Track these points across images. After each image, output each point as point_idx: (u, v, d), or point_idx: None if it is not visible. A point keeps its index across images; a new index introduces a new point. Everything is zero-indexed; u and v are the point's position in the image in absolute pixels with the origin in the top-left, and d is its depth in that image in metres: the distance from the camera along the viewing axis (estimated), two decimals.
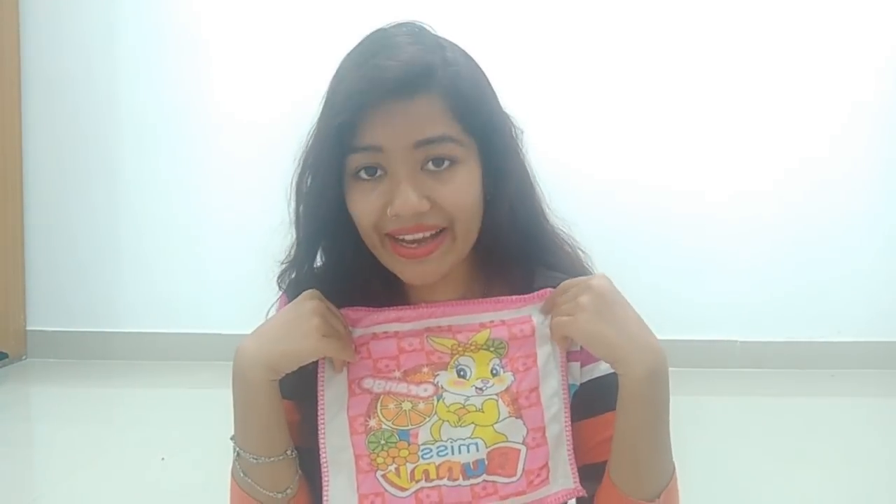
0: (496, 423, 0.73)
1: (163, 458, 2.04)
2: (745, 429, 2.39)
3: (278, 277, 0.81)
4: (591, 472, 0.75)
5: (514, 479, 0.73)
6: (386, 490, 0.73)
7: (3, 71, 2.96)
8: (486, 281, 0.79)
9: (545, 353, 0.75)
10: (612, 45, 2.96)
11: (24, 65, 3.02)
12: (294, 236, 0.77)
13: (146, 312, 3.08)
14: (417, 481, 0.73)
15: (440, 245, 0.71)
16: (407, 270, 0.73)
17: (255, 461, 0.73)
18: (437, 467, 0.72)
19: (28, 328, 3.10)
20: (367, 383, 0.74)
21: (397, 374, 0.74)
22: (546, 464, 0.74)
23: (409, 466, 0.73)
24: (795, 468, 2.06)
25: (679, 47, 2.97)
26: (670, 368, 0.71)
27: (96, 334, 3.07)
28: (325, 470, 0.73)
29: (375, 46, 0.70)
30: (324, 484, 0.73)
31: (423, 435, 0.72)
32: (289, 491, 0.75)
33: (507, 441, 0.73)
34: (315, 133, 0.73)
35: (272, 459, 0.74)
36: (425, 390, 0.73)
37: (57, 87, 3.04)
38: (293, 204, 0.76)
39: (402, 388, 0.73)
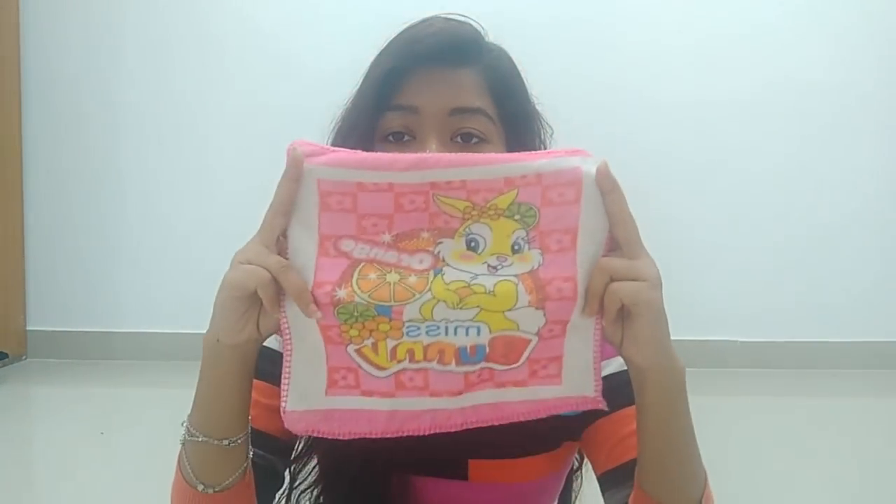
0: (509, 309, 0.57)
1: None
2: (744, 429, 2.39)
3: None
4: (618, 476, 0.71)
5: (514, 365, 0.60)
6: (360, 366, 0.60)
7: (3, 71, 2.96)
8: None
9: (591, 228, 0.57)
10: (613, 44, 2.96)
11: (24, 65, 3.02)
12: None
13: (146, 312, 3.08)
14: (399, 361, 0.59)
15: None
16: None
17: (215, 443, 0.64)
18: (426, 348, 0.59)
19: (28, 328, 3.10)
20: (346, 245, 0.58)
21: (387, 237, 0.58)
22: (559, 357, 0.60)
23: (391, 343, 0.59)
24: (795, 468, 2.06)
25: (679, 46, 2.97)
26: None
27: (96, 334, 3.07)
28: (287, 338, 0.59)
29: (422, 23, 0.72)
30: (285, 355, 0.60)
31: (410, 312, 0.57)
32: (232, 479, 0.65)
33: (518, 330, 0.58)
34: (353, 99, 0.73)
35: (227, 442, 0.64)
36: (420, 261, 0.58)
37: (57, 87, 3.04)
38: None
39: (390, 256, 0.58)
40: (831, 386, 2.85)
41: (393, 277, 0.57)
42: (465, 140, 0.69)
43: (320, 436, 0.61)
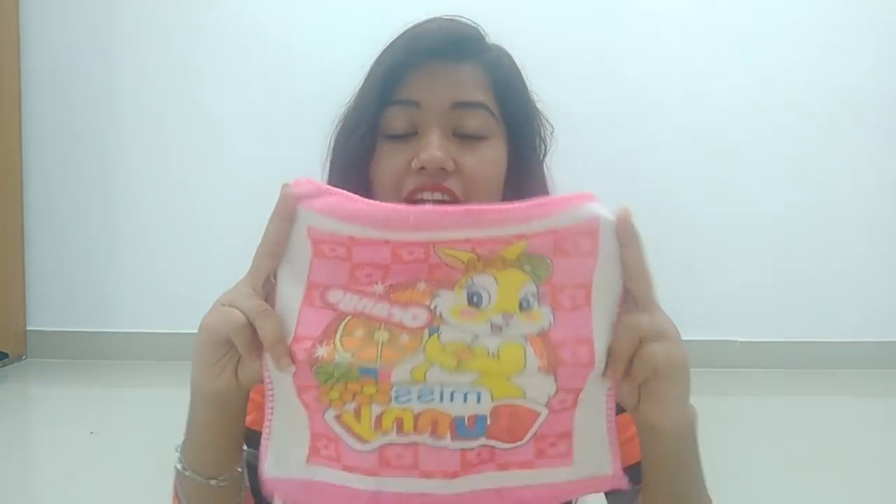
0: (516, 374, 0.50)
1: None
2: (744, 429, 2.38)
3: None
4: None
5: (519, 443, 0.53)
6: (340, 436, 0.52)
7: (3, 71, 2.96)
8: None
9: (607, 282, 0.51)
10: (613, 41, 2.96)
11: (24, 64, 3.02)
12: None
13: (146, 312, 3.08)
14: (385, 432, 0.51)
15: None
16: None
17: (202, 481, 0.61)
18: (417, 416, 0.51)
19: (28, 328, 3.09)
20: (334, 296, 0.52)
21: (379, 288, 0.52)
22: (569, 432, 0.53)
23: (376, 409, 0.51)
24: (795, 468, 2.06)
25: (682, 44, 2.97)
26: None
27: (96, 334, 3.07)
28: (269, 393, 0.54)
29: (425, 22, 0.72)
30: (266, 412, 0.54)
31: (399, 374, 0.50)
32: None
33: (524, 398, 0.51)
34: (355, 96, 0.73)
35: (214, 482, 0.61)
36: (414, 317, 0.51)
37: (57, 86, 3.03)
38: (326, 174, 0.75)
39: (380, 309, 0.51)
40: (831, 386, 2.84)
41: (382, 336, 0.50)
42: (467, 135, 0.69)
43: None
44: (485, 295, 0.51)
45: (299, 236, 0.52)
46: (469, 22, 0.73)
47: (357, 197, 0.52)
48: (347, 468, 0.53)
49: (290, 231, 0.52)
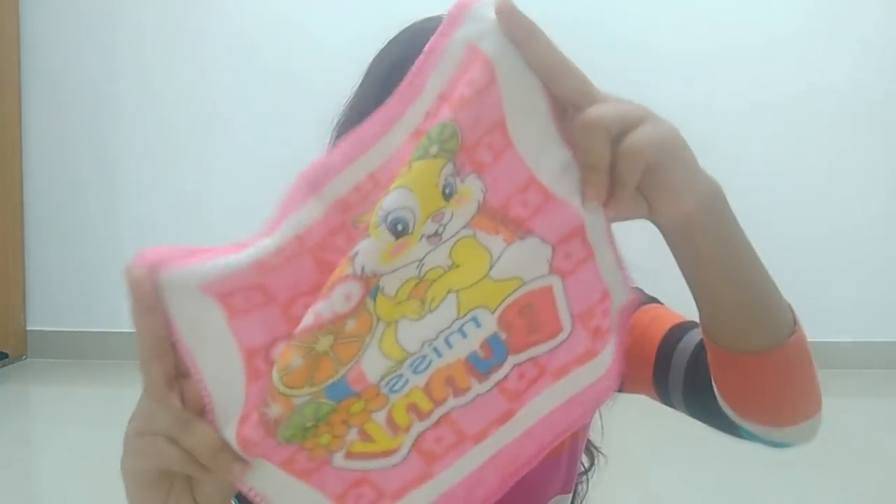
0: (492, 268, 0.40)
1: None
2: None
3: None
4: (663, 359, 0.61)
5: (561, 336, 0.42)
6: (365, 470, 0.42)
7: (3, 70, 2.96)
8: None
9: (522, 101, 0.39)
10: (614, 40, 2.96)
11: (24, 64, 3.02)
12: None
13: None
14: (408, 428, 0.42)
15: None
16: None
17: None
18: (426, 389, 0.41)
19: (28, 328, 3.09)
20: (279, 350, 0.40)
21: (298, 308, 0.40)
22: (606, 290, 0.43)
23: (380, 417, 0.41)
24: (795, 468, 2.05)
25: (680, 41, 2.97)
26: None
27: (96, 334, 3.07)
28: (259, 500, 0.42)
29: (425, 20, 0.70)
30: None
31: (371, 365, 0.39)
32: None
33: (525, 284, 0.41)
34: (354, 95, 0.71)
35: None
36: (347, 297, 0.38)
37: (57, 86, 3.03)
38: None
39: (307, 321, 0.39)
40: (831, 386, 2.83)
41: (323, 343, 0.39)
42: None
43: None
44: (407, 214, 0.38)
45: (190, 306, 0.39)
46: None
47: (219, 248, 0.40)
48: (399, 494, 0.43)
49: (167, 313, 0.39)
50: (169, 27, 3.02)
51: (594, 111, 0.40)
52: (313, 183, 0.40)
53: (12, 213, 3.02)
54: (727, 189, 0.50)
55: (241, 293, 0.39)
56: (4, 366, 2.96)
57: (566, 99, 0.40)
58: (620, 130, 0.40)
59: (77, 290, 3.10)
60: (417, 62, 0.40)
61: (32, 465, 2.24)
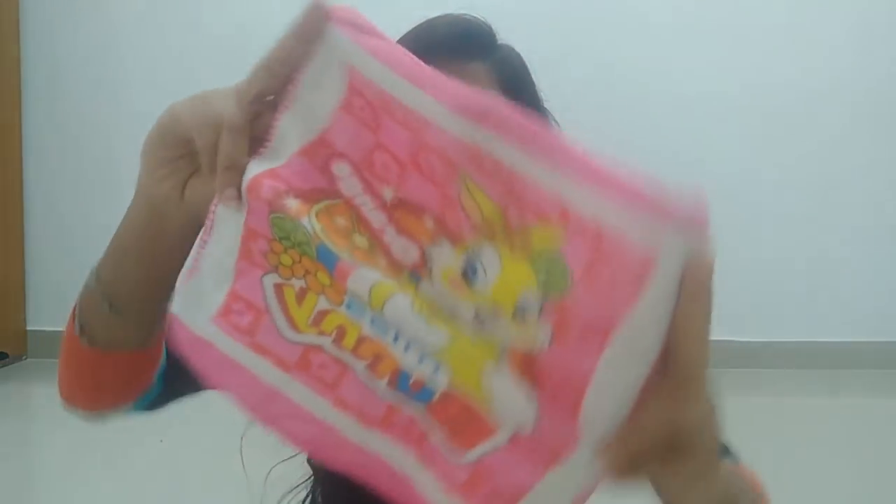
0: (487, 369, 0.39)
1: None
2: (744, 429, 2.38)
3: None
4: None
5: (459, 456, 0.40)
6: (269, 308, 0.42)
7: (3, 71, 2.96)
8: None
9: (641, 337, 0.34)
10: (615, 39, 2.96)
11: (24, 63, 3.01)
12: None
13: None
14: (321, 334, 0.42)
15: None
16: None
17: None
18: (361, 339, 0.41)
19: (28, 328, 3.09)
20: (340, 168, 0.42)
21: (388, 193, 0.41)
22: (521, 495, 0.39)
23: (323, 303, 0.41)
24: (795, 468, 2.05)
25: (681, 39, 2.97)
26: None
27: None
28: (209, 223, 0.45)
29: (435, 18, 0.71)
30: (198, 241, 0.46)
31: (358, 281, 0.40)
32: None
33: (490, 409, 0.39)
34: None
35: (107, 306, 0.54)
36: (405, 251, 0.40)
37: (57, 86, 3.03)
38: None
39: (376, 217, 0.41)
40: (831, 386, 2.84)
41: (360, 241, 0.40)
42: None
43: (192, 367, 0.45)
44: (480, 274, 0.38)
45: (329, 68, 0.41)
46: (480, 19, 0.72)
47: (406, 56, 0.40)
48: (256, 347, 0.43)
49: (313, 56, 0.41)
50: (171, 27, 3.02)
51: (675, 409, 0.36)
52: (483, 114, 0.40)
53: (12, 212, 3.02)
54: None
55: (364, 100, 0.40)
56: (4, 366, 2.96)
57: (678, 359, 0.35)
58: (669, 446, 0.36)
59: (77, 290, 3.08)
60: (642, 187, 0.36)
61: (32, 465, 2.24)
